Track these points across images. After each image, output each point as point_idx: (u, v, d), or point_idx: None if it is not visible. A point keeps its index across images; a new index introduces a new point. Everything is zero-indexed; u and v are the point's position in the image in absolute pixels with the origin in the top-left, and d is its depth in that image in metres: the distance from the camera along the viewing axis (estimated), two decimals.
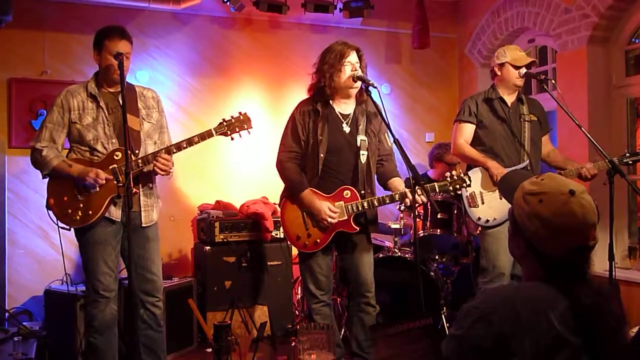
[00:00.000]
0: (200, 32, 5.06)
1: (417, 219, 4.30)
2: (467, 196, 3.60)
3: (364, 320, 3.25)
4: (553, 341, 1.37)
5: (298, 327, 3.76)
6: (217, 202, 4.85)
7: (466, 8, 5.73)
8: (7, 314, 4.09)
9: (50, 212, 3.13)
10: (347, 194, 3.20)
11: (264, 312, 4.45)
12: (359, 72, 3.17)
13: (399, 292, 4.09)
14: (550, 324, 1.38)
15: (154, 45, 4.89)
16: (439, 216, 4.28)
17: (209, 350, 4.01)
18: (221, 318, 4.23)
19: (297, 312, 4.66)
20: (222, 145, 4.98)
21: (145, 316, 3.22)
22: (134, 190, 3.04)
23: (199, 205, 4.88)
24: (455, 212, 4.28)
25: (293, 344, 4.24)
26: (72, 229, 3.13)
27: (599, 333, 1.40)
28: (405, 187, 4.88)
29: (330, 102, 3.24)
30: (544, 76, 3.57)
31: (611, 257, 3.19)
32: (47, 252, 4.49)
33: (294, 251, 4.43)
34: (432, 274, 4.19)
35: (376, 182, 3.40)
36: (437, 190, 3.15)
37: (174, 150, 3.13)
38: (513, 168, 3.52)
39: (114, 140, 3.13)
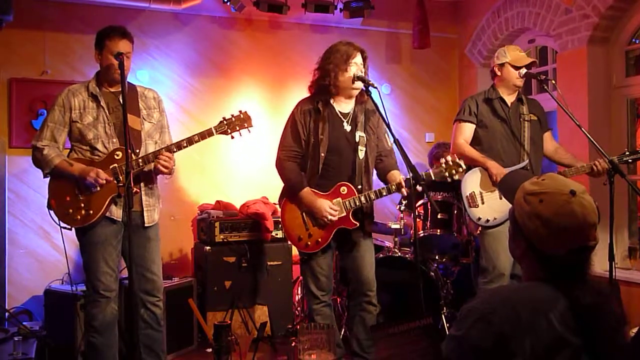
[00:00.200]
0: (200, 32, 5.06)
1: (417, 219, 4.31)
2: (466, 196, 3.60)
3: (366, 320, 3.25)
4: (553, 341, 1.37)
5: (298, 327, 3.76)
6: (218, 202, 4.85)
7: (466, 8, 5.73)
8: (7, 314, 4.09)
9: (51, 212, 3.13)
10: (343, 190, 3.20)
11: (264, 312, 4.45)
12: (359, 72, 3.17)
13: (399, 292, 4.09)
14: (550, 324, 1.38)
15: (155, 45, 4.90)
16: (439, 216, 4.28)
17: (209, 350, 4.01)
18: (221, 318, 4.23)
19: (297, 312, 4.66)
20: (222, 145, 4.98)
21: (146, 316, 3.22)
22: (135, 189, 3.04)
23: (199, 205, 4.89)
24: (456, 212, 4.28)
25: (293, 344, 4.24)
26: (73, 228, 3.13)
27: (599, 333, 1.40)
28: (406, 186, 4.89)
29: (331, 101, 3.25)
30: (544, 76, 3.57)
31: (611, 257, 3.19)
32: (47, 252, 4.50)
33: (294, 251, 4.43)
34: (432, 274, 4.19)
35: (375, 178, 3.39)
36: (433, 177, 3.14)
37: (175, 150, 3.14)
38: (513, 168, 3.52)
39: (114, 140, 3.13)
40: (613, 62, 4.41)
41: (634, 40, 4.36)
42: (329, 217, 3.15)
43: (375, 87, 3.11)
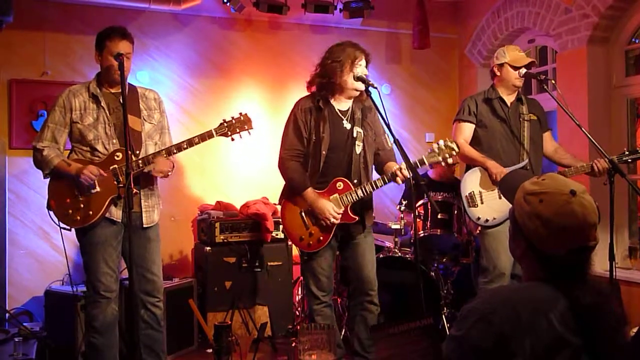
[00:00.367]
0: (200, 33, 5.06)
1: (418, 219, 4.31)
2: (466, 196, 3.60)
3: (367, 319, 3.25)
4: (553, 341, 1.37)
5: (298, 327, 3.76)
6: (218, 202, 4.85)
7: (466, 8, 5.73)
8: (7, 315, 4.09)
9: (51, 213, 3.13)
10: (339, 185, 3.20)
11: (265, 313, 4.45)
12: (359, 73, 3.17)
13: (400, 292, 4.09)
14: (550, 324, 1.38)
15: (154, 45, 4.90)
16: (439, 216, 4.28)
17: (210, 350, 4.00)
18: (221, 318, 4.23)
19: (297, 312, 4.66)
20: (222, 145, 4.98)
21: (146, 316, 3.22)
22: (134, 190, 3.04)
23: (199, 205, 4.89)
24: (456, 212, 4.28)
25: (293, 344, 4.24)
26: (72, 229, 3.13)
27: (599, 333, 1.40)
28: (406, 187, 4.89)
29: (331, 99, 3.25)
30: (543, 76, 3.57)
31: (611, 257, 3.19)
32: (47, 253, 4.50)
33: (295, 251, 4.43)
34: (433, 274, 4.19)
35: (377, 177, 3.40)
36: (427, 162, 3.15)
37: (174, 151, 3.14)
38: (512, 167, 3.52)
39: (114, 141, 3.14)
40: (613, 61, 4.41)
41: (633, 40, 4.36)
42: (331, 219, 3.15)
43: (375, 88, 3.11)
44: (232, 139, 3.23)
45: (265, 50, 5.23)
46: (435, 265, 4.38)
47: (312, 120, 3.22)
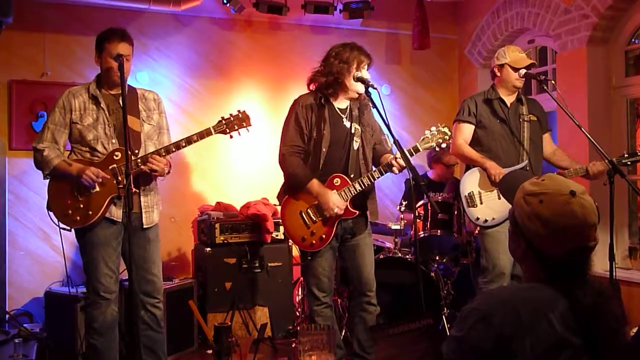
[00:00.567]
0: (200, 34, 5.06)
1: (418, 220, 4.31)
2: (465, 196, 3.60)
3: (366, 320, 3.26)
4: (554, 342, 1.37)
5: (299, 328, 3.76)
6: (218, 203, 4.85)
7: (466, 9, 5.73)
8: (7, 316, 4.09)
9: (51, 214, 3.13)
10: (337, 181, 3.21)
11: (265, 314, 4.45)
12: (359, 74, 3.18)
13: (400, 292, 4.09)
14: (550, 324, 1.38)
15: (154, 46, 4.90)
16: (439, 217, 4.28)
17: (210, 351, 4.00)
18: (222, 319, 4.22)
19: (297, 313, 4.66)
20: (222, 146, 4.98)
21: (146, 317, 3.22)
22: (133, 190, 3.04)
23: (199, 206, 4.89)
24: (456, 212, 4.28)
25: (294, 345, 4.24)
26: (72, 230, 3.13)
27: (600, 333, 1.40)
28: (406, 187, 4.89)
29: (331, 98, 3.26)
30: (543, 77, 3.57)
31: (611, 257, 3.19)
32: (47, 254, 4.50)
33: (295, 252, 4.43)
34: (433, 274, 4.19)
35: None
36: (421, 148, 3.19)
37: (173, 149, 3.14)
38: (512, 168, 3.53)
39: (114, 141, 3.14)
40: (613, 62, 4.41)
41: (633, 40, 4.36)
42: (335, 210, 3.14)
43: (375, 89, 3.12)
44: (231, 137, 3.23)
45: (265, 50, 5.24)
46: (436, 265, 4.37)
47: (313, 117, 3.22)
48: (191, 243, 4.93)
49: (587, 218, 1.44)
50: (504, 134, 3.63)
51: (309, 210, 3.21)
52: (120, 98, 3.11)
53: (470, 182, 3.62)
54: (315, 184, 3.18)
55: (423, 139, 3.22)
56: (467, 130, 3.69)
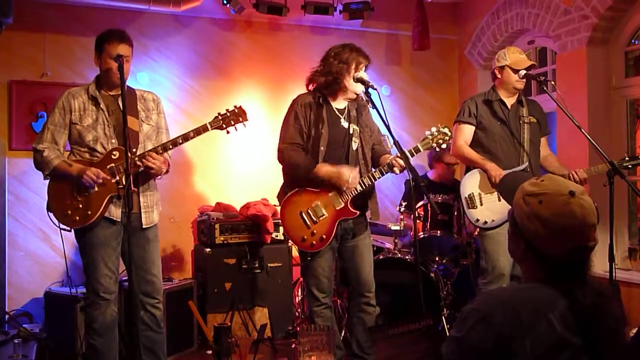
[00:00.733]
0: (200, 34, 5.06)
1: (418, 221, 4.31)
2: (465, 197, 3.60)
3: (365, 321, 3.26)
4: (554, 342, 1.38)
5: (298, 328, 3.76)
6: (218, 203, 4.85)
7: (466, 10, 5.73)
8: (7, 316, 4.09)
9: (51, 215, 3.13)
10: None
11: (264, 314, 4.44)
12: (359, 74, 3.19)
13: (399, 293, 4.09)
14: (550, 324, 1.38)
15: (154, 47, 4.90)
16: (439, 217, 4.28)
17: (210, 352, 3.99)
18: (221, 320, 4.22)
19: (297, 313, 4.66)
20: (222, 146, 4.99)
21: (146, 318, 3.22)
22: (132, 189, 3.03)
23: (199, 206, 4.89)
24: (456, 213, 4.28)
25: (293, 345, 4.23)
26: (72, 230, 3.13)
27: (600, 333, 1.40)
28: (406, 188, 4.89)
29: (329, 98, 3.27)
30: (543, 77, 3.57)
31: (611, 258, 3.19)
32: (47, 254, 4.50)
33: (294, 253, 4.43)
34: (432, 275, 4.19)
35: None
36: (421, 149, 3.20)
37: (170, 147, 3.14)
38: (512, 170, 3.53)
39: (113, 141, 3.14)
40: (612, 63, 4.41)
41: (633, 41, 4.36)
42: (350, 180, 3.12)
43: (375, 89, 3.12)
44: (228, 132, 3.22)
45: (265, 51, 5.24)
46: (435, 266, 4.37)
47: (311, 115, 3.23)
48: (191, 243, 4.93)
49: (586, 218, 1.44)
50: (504, 136, 3.63)
51: (309, 210, 3.21)
52: (120, 99, 3.11)
53: (471, 184, 3.62)
54: (321, 168, 3.15)
55: (423, 139, 3.23)
56: (467, 132, 3.69)
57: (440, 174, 4.91)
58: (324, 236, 3.20)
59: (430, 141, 3.21)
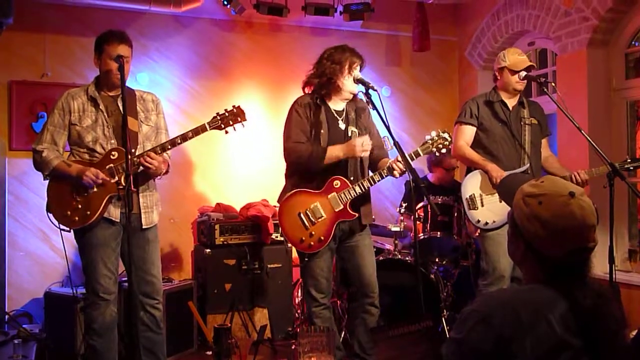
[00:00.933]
0: (200, 35, 5.06)
1: (418, 222, 4.31)
2: (466, 198, 3.60)
3: (367, 322, 3.25)
4: (554, 343, 1.37)
5: (298, 330, 3.75)
6: (218, 204, 4.85)
7: (466, 11, 5.73)
8: (7, 317, 4.09)
9: (50, 215, 3.13)
10: (336, 184, 3.21)
11: (264, 315, 4.44)
12: (359, 75, 3.21)
13: (399, 294, 4.09)
14: (550, 326, 1.38)
15: (155, 47, 4.90)
16: (439, 219, 4.28)
17: (209, 353, 4.00)
18: (221, 321, 4.22)
19: (297, 314, 4.66)
20: (222, 147, 4.99)
21: (145, 318, 3.21)
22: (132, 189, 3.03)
23: (199, 207, 4.88)
24: (456, 214, 4.28)
25: (293, 346, 4.23)
26: (71, 230, 3.13)
27: (600, 335, 1.40)
28: (406, 189, 4.88)
29: (326, 99, 3.27)
30: (543, 79, 3.57)
31: (611, 260, 3.19)
32: (47, 255, 4.50)
33: (294, 254, 4.43)
34: (433, 276, 4.18)
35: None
36: (421, 153, 3.21)
37: (169, 147, 3.13)
38: (513, 171, 3.52)
39: (112, 142, 3.14)
40: (613, 64, 4.41)
41: (633, 42, 4.36)
42: (364, 146, 3.13)
43: (375, 90, 3.13)
44: (227, 132, 3.22)
45: (265, 52, 5.24)
46: (435, 267, 4.37)
47: (311, 114, 3.24)
48: (191, 244, 4.93)
49: (586, 219, 1.44)
50: (505, 137, 3.63)
51: (307, 211, 3.21)
52: (119, 99, 3.11)
53: (472, 185, 3.62)
54: (331, 151, 3.16)
55: (423, 143, 3.23)
56: (468, 132, 3.69)
57: (440, 178, 4.91)
58: (322, 237, 3.20)
59: (430, 146, 3.21)
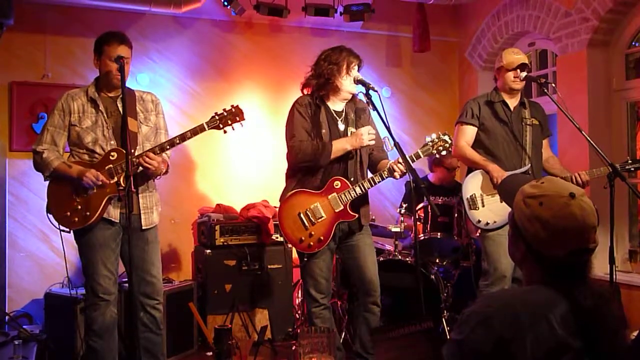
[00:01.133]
0: (201, 36, 5.06)
1: (418, 222, 4.30)
2: (467, 198, 3.60)
3: (369, 321, 3.25)
4: (554, 344, 1.37)
5: (299, 330, 3.76)
6: (218, 205, 4.84)
7: (466, 12, 5.73)
8: (7, 317, 4.09)
9: (50, 216, 3.13)
10: (337, 184, 3.21)
11: (265, 316, 4.44)
12: (360, 76, 3.21)
13: (400, 295, 4.09)
14: (550, 327, 1.38)
15: (155, 48, 4.90)
16: (439, 219, 4.27)
17: (210, 353, 4.00)
18: (221, 321, 4.22)
19: (297, 315, 4.66)
20: (222, 148, 4.99)
21: (145, 319, 3.21)
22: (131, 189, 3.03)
23: (199, 208, 4.88)
24: (456, 215, 4.28)
25: (294, 347, 4.24)
26: (71, 231, 3.13)
27: (600, 336, 1.39)
28: (406, 190, 4.88)
29: (326, 100, 3.28)
30: (544, 80, 3.58)
31: (612, 261, 3.19)
32: (47, 255, 4.50)
33: (295, 254, 4.43)
34: (433, 277, 4.18)
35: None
36: (422, 155, 3.22)
37: (168, 147, 3.13)
38: (514, 172, 3.52)
39: (112, 142, 3.14)
40: (613, 65, 4.41)
41: (633, 43, 4.37)
42: (369, 135, 3.15)
43: (376, 91, 3.13)
44: (225, 132, 3.21)
45: (265, 53, 5.24)
46: (436, 268, 4.37)
47: (312, 114, 3.24)
48: (191, 245, 4.93)
49: (586, 220, 1.44)
50: (506, 137, 3.63)
51: (307, 212, 3.21)
52: (119, 100, 3.11)
53: (473, 185, 3.62)
54: (337, 144, 3.17)
55: (424, 145, 3.22)
56: (469, 133, 3.69)
57: (441, 178, 4.91)
58: (322, 237, 3.20)
59: (431, 148, 3.21)
